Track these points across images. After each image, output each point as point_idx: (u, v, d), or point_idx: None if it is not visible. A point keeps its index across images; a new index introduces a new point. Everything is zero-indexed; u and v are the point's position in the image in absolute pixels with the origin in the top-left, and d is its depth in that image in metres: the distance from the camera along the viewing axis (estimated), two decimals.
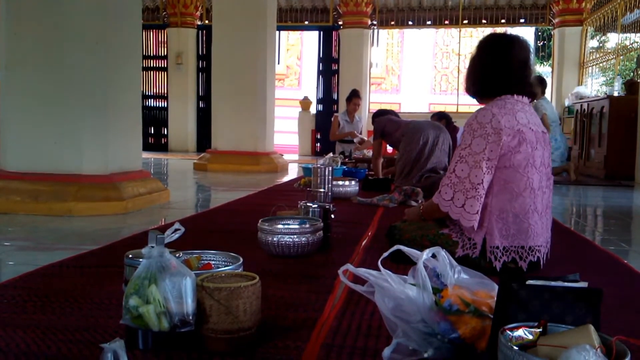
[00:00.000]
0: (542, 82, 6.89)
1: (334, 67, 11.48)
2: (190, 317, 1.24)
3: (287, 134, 13.40)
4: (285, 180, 6.01)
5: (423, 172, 4.30)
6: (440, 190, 2.05)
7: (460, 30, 12.21)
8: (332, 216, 2.48)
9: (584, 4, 10.36)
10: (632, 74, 11.62)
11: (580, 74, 10.53)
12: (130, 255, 1.58)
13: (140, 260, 1.31)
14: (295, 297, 1.70)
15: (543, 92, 6.87)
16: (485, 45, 2.15)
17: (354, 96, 7.29)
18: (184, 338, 1.25)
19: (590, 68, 10.47)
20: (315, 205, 2.47)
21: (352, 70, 11.13)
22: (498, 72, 2.08)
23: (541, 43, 12.86)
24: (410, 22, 11.70)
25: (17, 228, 2.98)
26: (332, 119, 7.45)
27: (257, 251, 2.25)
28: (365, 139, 7.50)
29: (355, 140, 7.03)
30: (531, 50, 2.15)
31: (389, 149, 10.25)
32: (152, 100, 12.12)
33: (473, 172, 1.96)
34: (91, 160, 3.52)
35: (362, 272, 1.21)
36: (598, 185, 6.36)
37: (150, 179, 4.01)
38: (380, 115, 5.34)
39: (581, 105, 8.19)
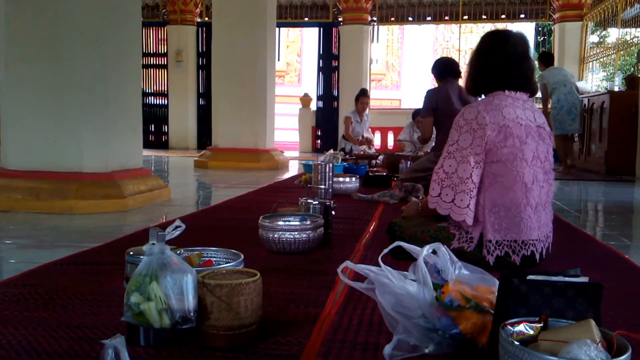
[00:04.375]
0: (545, 55, 7.30)
1: (334, 63, 11.45)
2: (192, 314, 1.24)
3: (287, 130, 13.40)
4: (286, 177, 6.01)
5: None
6: (430, 187, 2.07)
7: (460, 26, 12.18)
8: (333, 213, 2.48)
9: None
10: (632, 68, 11.60)
11: (581, 69, 10.50)
12: (132, 253, 1.58)
13: (142, 257, 1.32)
14: (296, 293, 1.70)
15: (546, 65, 7.13)
16: (480, 42, 2.17)
17: (362, 95, 7.38)
18: (185, 335, 1.25)
19: (590, 63, 10.44)
20: (316, 202, 2.47)
21: (353, 66, 11.11)
22: (490, 68, 2.08)
23: (541, 38, 12.79)
24: (410, 18, 11.67)
25: (18, 226, 2.99)
26: (344, 120, 7.59)
27: (258, 248, 2.25)
28: (371, 137, 7.78)
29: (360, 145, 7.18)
30: (528, 44, 2.13)
31: (390, 145, 10.22)
32: (152, 97, 12.12)
33: (461, 166, 1.97)
34: (92, 158, 3.52)
35: (362, 268, 1.21)
36: (599, 180, 6.36)
37: (151, 176, 4.02)
38: (442, 69, 4.69)
39: (582, 101, 8.16)
